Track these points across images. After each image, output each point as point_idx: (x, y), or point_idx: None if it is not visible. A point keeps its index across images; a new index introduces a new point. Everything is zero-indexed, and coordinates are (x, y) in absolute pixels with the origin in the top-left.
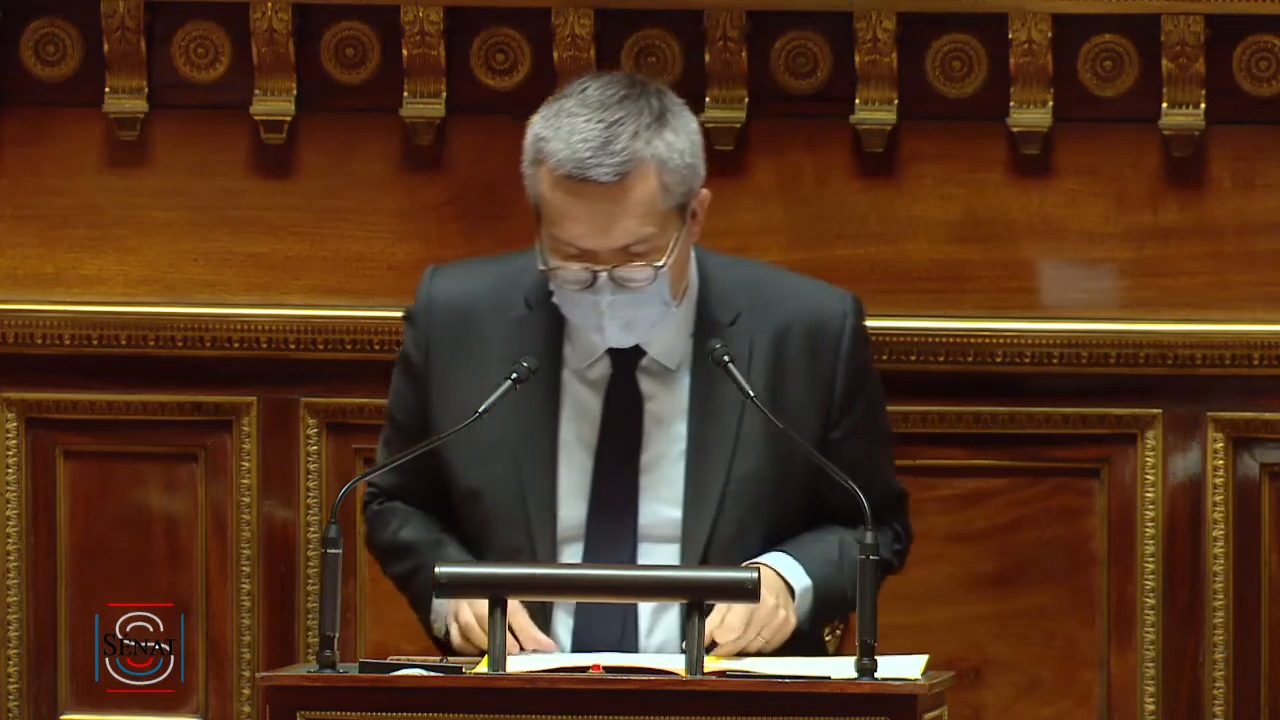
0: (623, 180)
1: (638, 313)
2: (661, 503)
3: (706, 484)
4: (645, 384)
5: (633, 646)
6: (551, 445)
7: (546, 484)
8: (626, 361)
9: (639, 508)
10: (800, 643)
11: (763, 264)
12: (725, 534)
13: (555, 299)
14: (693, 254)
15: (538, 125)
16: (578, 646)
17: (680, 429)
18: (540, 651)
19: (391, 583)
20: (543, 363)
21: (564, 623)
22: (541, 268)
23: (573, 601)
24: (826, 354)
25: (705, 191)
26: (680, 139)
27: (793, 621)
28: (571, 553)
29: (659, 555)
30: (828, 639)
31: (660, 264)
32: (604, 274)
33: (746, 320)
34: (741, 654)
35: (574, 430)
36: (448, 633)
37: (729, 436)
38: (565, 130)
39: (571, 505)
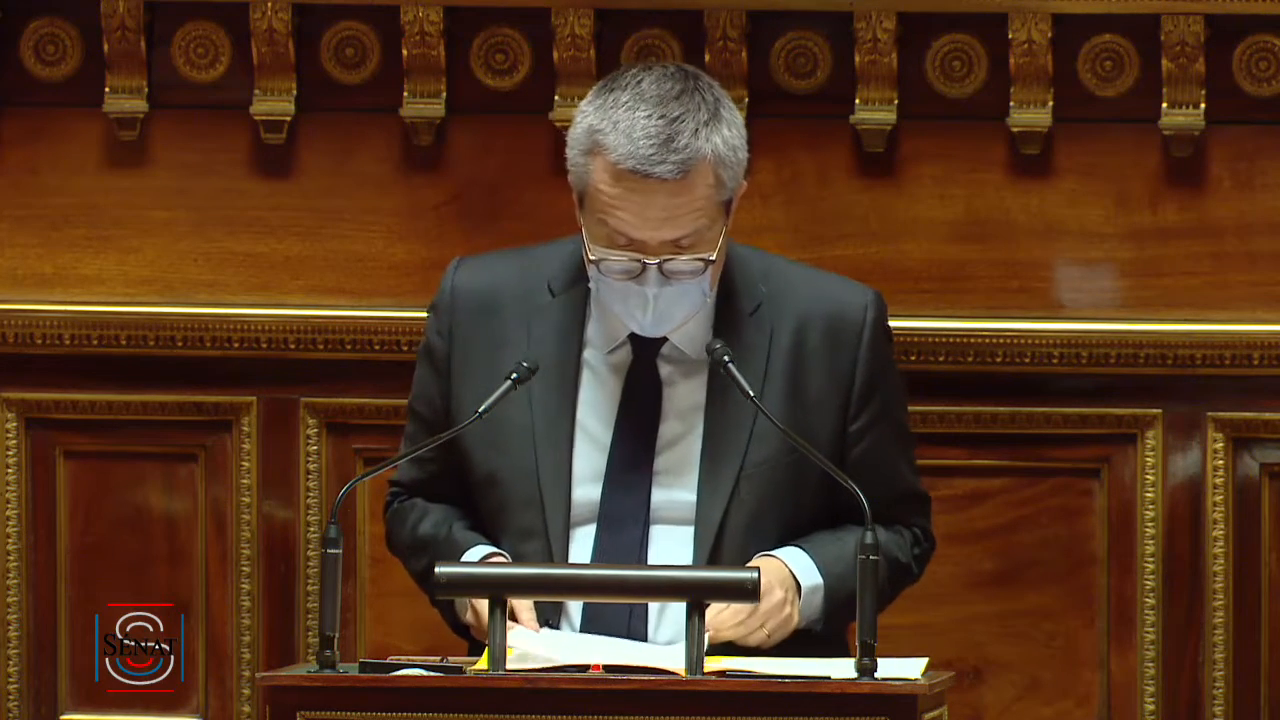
0: (684, 177)
1: (678, 304)
2: (676, 486)
3: (721, 468)
4: (665, 370)
5: (641, 633)
6: (569, 429)
7: (562, 466)
8: (647, 348)
9: (652, 490)
10: (821, 645)
11: (783, 257)
12: (739, 519)
13: (593, 285)
14: None
15: (592, 116)
16: (586, 627)
17: (698, 415)
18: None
19: (414, 581)
20: (563, 348)
21: (574, 608)
22: (591, 259)
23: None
24: (847, 347)
25: (744, 182)
26: (733, 134)
27: (796, 619)
28: (584, 534)
29: (672, 537)
30: None
31: (711, 256)
32: (653, 266)
33: (767, 310)
34: (742, 645)
35: (592, 414)
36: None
37: (746, 423)
38: (625, 124)
39: (586, 487)
